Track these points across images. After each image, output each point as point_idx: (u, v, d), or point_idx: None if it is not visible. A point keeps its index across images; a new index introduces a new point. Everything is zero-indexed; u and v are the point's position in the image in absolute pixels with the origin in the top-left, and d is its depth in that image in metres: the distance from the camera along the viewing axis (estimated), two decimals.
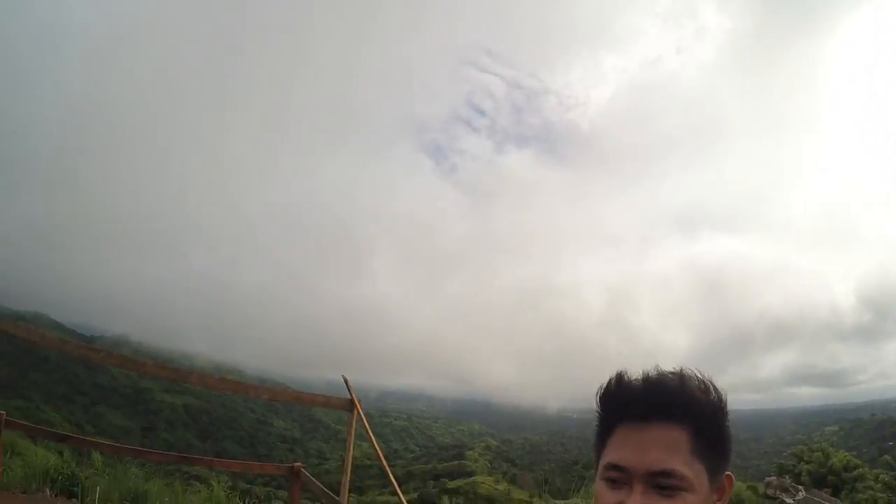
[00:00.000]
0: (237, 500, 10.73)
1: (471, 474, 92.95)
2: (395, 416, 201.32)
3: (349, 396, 7.42)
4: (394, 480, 7.39)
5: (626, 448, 1.40)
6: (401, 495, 7.00)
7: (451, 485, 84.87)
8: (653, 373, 1.45)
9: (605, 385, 1.49)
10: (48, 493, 9.13)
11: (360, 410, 7.29)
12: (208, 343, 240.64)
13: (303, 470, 7.62)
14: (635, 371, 1.47)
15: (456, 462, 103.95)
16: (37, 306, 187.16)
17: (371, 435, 7.44)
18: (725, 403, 1.47)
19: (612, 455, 1.42)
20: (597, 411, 1.51)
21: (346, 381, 7.65)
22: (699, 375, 1.45)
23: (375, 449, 7.43)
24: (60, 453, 11.17)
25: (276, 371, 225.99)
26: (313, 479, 7.36)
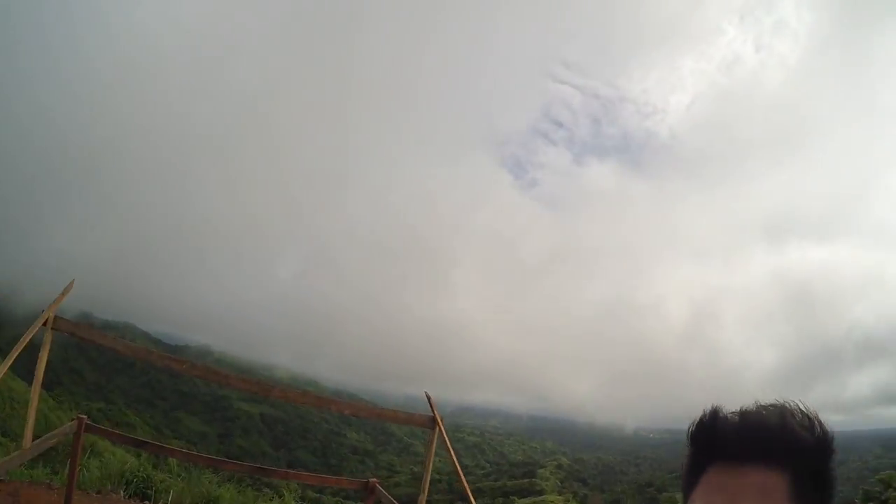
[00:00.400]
0: None
1: (541, 493, 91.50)
2: (469, 431, 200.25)
3: (431, 414, 7.29)
4: (472, 497, 7.14)
5: (718, 494, 1.25)
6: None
7: (520, 503, 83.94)
8: (751, 408, 1.30)
9: (697, 420, 1.34)
10: (122, 495, 9.24)
11: (443, 428, 7.09)
12: (288, 355, 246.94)
13: (378, 486, 7.44)
14: (729, 401, 1.32)
15: (526, 480, 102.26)
16: (125, 316, 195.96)
17: (452, 453, 7.22)
18: (832, 441, 1.29)
19: (702, 500, 1.28)
20: (687, 447, 1.36)
21: (428, 398, 7.57)
22: (803, 409, 1.29)
23: (455, 467, 7.24)
24: (138, 455, 11.37)
25: (354, 384, 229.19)
26: (387, 494, 7.17)
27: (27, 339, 5.71)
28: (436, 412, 7.28)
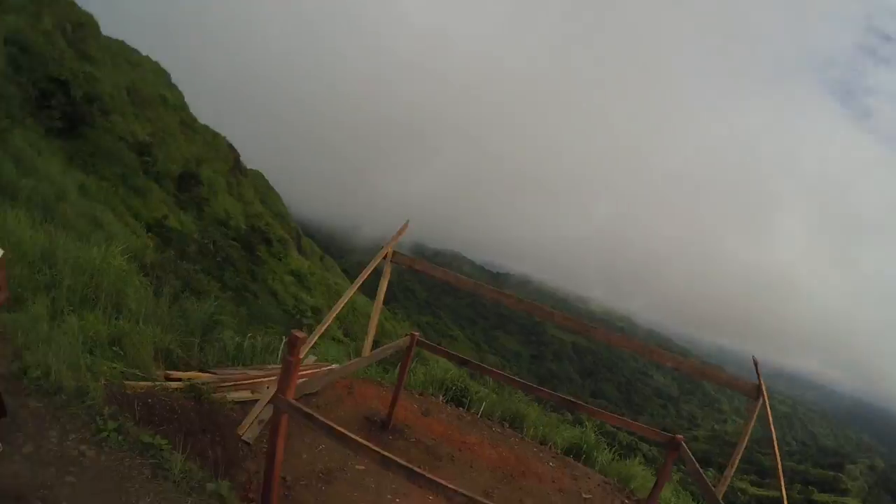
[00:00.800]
0: (603, 443, 11.06)
1: (844, 493, 79.29)
2: (780, 399, 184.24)
3: (757, 382, 6.82)
4: (782, 479, 6.69)
5: None
6: (784, 492, 6.28)
7: (819, 498, 75.83)
8: None
9: None
10: (440, 399, 10.58)
11: (767, 400, 6.68)
12: (603, 289, 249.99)
13: (683, 444, 7.34)
14: None
15: (832, 473, 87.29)
16: (453, 246, 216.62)
17: (772, 426, 6.74)
18: None
19: None
20: None
21: (756, 365, 6.99)
22: None
23: (773, 443, 6.68)
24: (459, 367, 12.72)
25: (666, 326, 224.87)
26: (692, 457, 7.00)
27: (370, 270, 6.72)
28: (762, 381, 6.77)
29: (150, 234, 25.23)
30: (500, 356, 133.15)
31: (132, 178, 31.62)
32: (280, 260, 45.48)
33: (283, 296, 40.06)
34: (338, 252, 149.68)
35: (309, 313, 37.46)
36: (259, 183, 60.10)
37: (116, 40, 49.52)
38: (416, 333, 8.53)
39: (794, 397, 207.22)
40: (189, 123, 49.62)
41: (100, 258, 8.58)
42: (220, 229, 37.31)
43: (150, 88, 46.96)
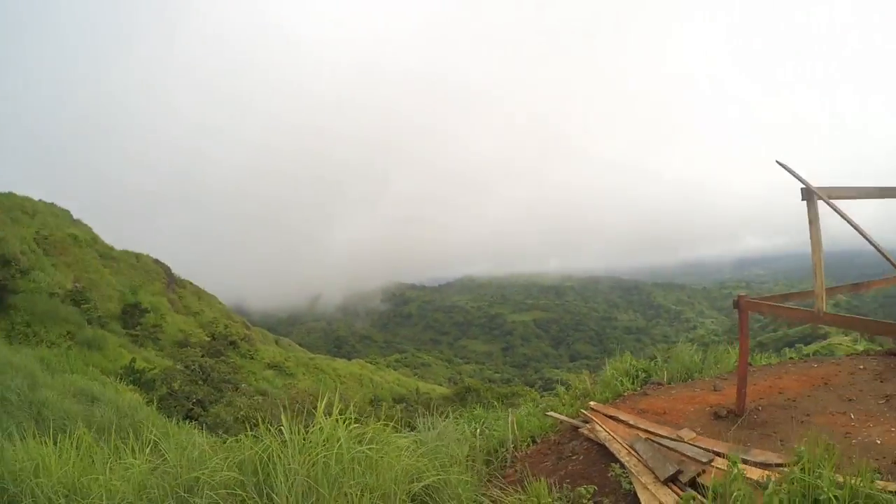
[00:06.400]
0: None
1: (824, 336, 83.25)
2: (734, 285, 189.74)
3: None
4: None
5: None
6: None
7: (808, 349, 76.91)
8: None
9: None
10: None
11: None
12: (558, 257, 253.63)
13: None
14: None
15: (808, 326, 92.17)
16: (395, 277, 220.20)
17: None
18: None
19: None
20: None
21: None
22: None
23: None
24: None
25: (627, 267, 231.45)
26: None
27: None
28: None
29: (126, 385, 22.77)
30: (473, 361, 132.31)
31: (80, 332, 28.56)
32: (252, 358, 42.83)
33: (273, 392, 37.57)
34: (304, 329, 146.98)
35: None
36: (194, 289, 56.90)
37: (5, 193, 45.93)
38: (743, 294, 7.17)
39: (746, 278, 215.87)
40: (107, 254, 46.34)
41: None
42: (183, 351, 34.39)
43: (57, 232, 43.65)
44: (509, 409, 10.19)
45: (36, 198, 50.81)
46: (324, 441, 5.25)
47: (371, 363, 68.94)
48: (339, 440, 5.25)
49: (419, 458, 5.57)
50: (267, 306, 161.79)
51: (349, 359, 70.97)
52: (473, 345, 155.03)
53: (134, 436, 6.88)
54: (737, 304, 7.06)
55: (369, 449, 5.31)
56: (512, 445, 7.94)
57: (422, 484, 5.28)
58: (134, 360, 27.29)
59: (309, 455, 5.13)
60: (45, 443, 6.40)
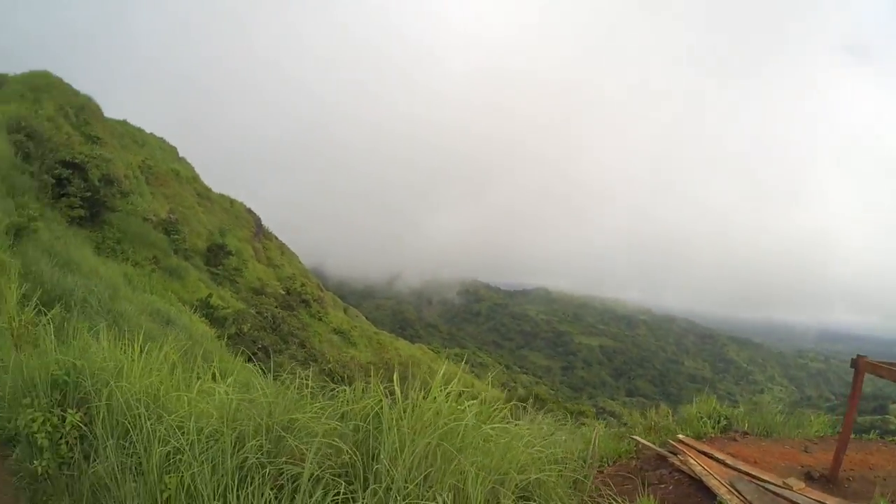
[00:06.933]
0: None
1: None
2: (812, 357, 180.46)
3: None
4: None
5: None
6: None
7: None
8: None
9: None
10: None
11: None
12: (638, 288, 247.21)
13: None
14: None
15: (879, 417, 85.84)
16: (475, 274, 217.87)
17: None
18: None
19: None
20: None
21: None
22: None
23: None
24: None
25: (708, 313, 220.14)
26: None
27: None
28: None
29: (199, 316, 22.77)
30: (531, 374, 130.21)
31: (165, 259, 29.11)
32: (320, 320, 42.66)
33: (331, 355, 37.20)
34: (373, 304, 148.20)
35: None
36: (279, 244, 57.56)
37: (120, 121, 47.45)
38: (864, 357, 7.05)
39: (826, 352, 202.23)
40: (204, 194, 47.42)
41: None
42: (258, 298, 34.42)
43: (161, 165, 44.77)
44: (582, 426, 10.32)
45: (148, 130, 52.73)
46: (435, 412, 4.83)
47: (433, 350, 68.14)
48: (461, 412, 4.91)
49: (531, 450, 5.23)
50: (345, 275, 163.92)
51: (412, 342, 70.33)
52: (534, 357, 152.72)
53: (206, 365, 6.91)
54: (854, 364, 6.88)
55: (492, 429, 5.02)
56: (593, 462, 7.46)
57: (534, 476, 4.93)
58: (210, 295, 27.54)
59: (422, 422, 4.72)
60: (131, 349, 6.16)
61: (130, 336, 6.98)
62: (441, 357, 66.96)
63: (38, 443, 5.50)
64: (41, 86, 36.66)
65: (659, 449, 7.95)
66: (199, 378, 5.93)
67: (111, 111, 45.27)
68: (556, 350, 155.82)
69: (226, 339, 19.44)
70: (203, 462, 4.60)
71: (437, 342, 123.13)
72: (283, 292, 40.52)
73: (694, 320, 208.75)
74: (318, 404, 5.08)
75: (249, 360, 19.23)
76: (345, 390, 5.23)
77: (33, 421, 5.58)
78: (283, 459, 4.64)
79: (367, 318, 73.93)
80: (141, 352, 6.10)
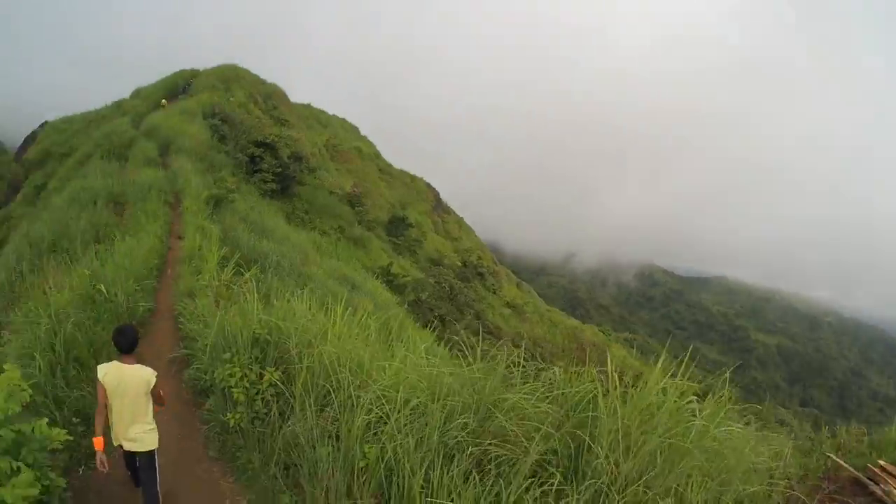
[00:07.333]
0: None
1: None
2: None
3: None
4: None
5: None
6: None
7: None
8: None
9: None
10: None
11: None
12: (829, 287, 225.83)
13: None
14: None
15: None
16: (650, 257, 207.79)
17: None
18: None
19: None
20: None
21: None
22: None
23: None
24: None
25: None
26: None
27: None
28: None
29: (380, 283, 23.59)
30: (701, 367, 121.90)
31: (349, 229, 30.70)
32: (494, 293, 42.87)
33: (505, 329, 37.14)
34: (545, 282, 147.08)
35: None
36: (457, 218, 58.78)
37: (304, 104, 50.85)
38: None
39: None
40: (386, 170, 49.56)
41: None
42: (436, 269, 35.24)
43: (345, 143, 47.26)
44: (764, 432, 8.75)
45: (330, 112, 56.08)
46: (656, 406, 4.41)
47: (604, 332, 66.56)
48: (687, 411, 4.53)
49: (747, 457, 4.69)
50: (520, 251, 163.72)
51: (582, 322, 68.91)
52: (706, 350, 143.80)
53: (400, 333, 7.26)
54: None
55: (720, 432, 4.54)
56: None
57: (756, 488, 4.43)
58: (391, 264, 28.54)
59: (641, 418, 4.29)
60: (332, 312, 6.18)
61: (323, 299, 6.99)
62: (613, 341, 65.47)
63: (234, 397, 5.85)
64: (231, 77, 40.86)
65: (858, 474, 7.03)
66: (400, 346, 5.81)
67: (296, 96, 48.76)
68: (730, 345, 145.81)
69: (406, 306, 20.05)
70: (408, 435, 4.40)
71: (608, 325, 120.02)
72: (459, 264, 41.30)
73: (885, 329, 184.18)
74: (528, 385, 4.73)
75: (426, 326, 19.79)
76: (553, 371, 4.86)
77: (231, 376, 5.93)
78: (488, 441, 4.34)
79: (538, 294, 73.74)
80: (342, 316, 6.02)
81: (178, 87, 39.05)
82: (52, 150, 33.27)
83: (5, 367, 4.41)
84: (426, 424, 4.45)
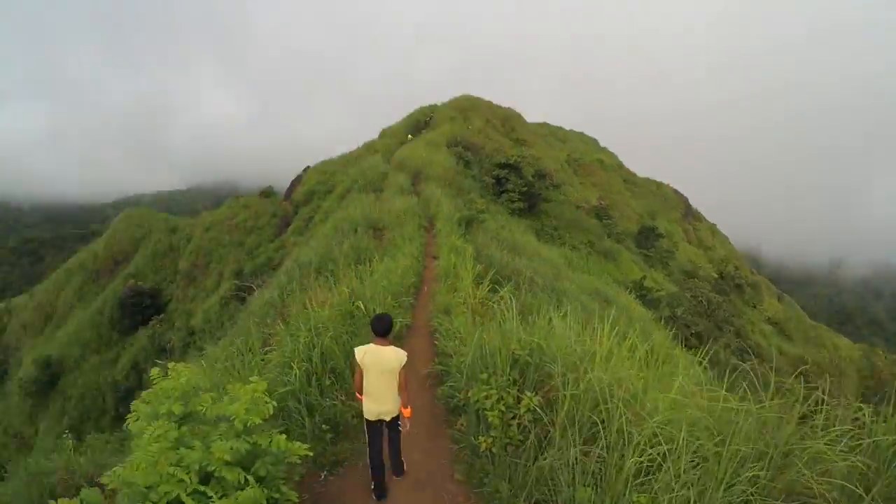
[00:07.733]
0: None
1: None
2: None
3: None
4: None
5: None
6: None
7: None
8: None
9: None
10: None
11: None
12: None
13: None
14: None
15: None
16: None
17: None
18: None
19: None
20: None
21: None
22: None
23: None
24: None
25: None
26: None
27: None
28: None
29: (632, 297, 22.52)
30: None
31: (599, 243, 30.20)
32: (753, 307, 38.89)
33: (766, 350, 33.26)
34: (807, 293, 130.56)
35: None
36: (709, 225, 54.81)
37: (540, 123, 51.65)
38: None
39: None
40: (630, 179, 48.08)
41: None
42: (691, 282, 32.83)
43: (586, 156, 46.85)
44: None
45: (567, 128, 56.21)
46: None
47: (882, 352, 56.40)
48: None
49: None
50: (782, 259, 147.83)
51: (852, 340, 59.21)
52: None
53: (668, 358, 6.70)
54: None
55: None
56: None
57: None
58: (644, 277, 27.51)
59: None
60: (599, 333, 5.67)
61: (581, 316, 6.48)
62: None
63: (489, 420, 5.63)
64: (467, 107, 43.17)
65: None
66: (666, 370, 5.32)
67: (531, 116, 49.64)
68: None
69: (662, 322, 18.93)
70: (687, 486, 3.68)
71: (880, 344, 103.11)
72: (715, 275, 38.22)
73: None
74: (832, 429, 3.84)
75: (682, 345, 18.36)
76: (858, 409, 4.01)
77: (487, 398, 5.70)
78: (780, 500, 3.55)
79: (801, 307, 65.76)
80: (608, 336, 5.49)
81: (420, 122, 42.40)
82: (316, 188, 37.49)
83: (252, 378, 4.66)
84: (709, 474, 3.72)
